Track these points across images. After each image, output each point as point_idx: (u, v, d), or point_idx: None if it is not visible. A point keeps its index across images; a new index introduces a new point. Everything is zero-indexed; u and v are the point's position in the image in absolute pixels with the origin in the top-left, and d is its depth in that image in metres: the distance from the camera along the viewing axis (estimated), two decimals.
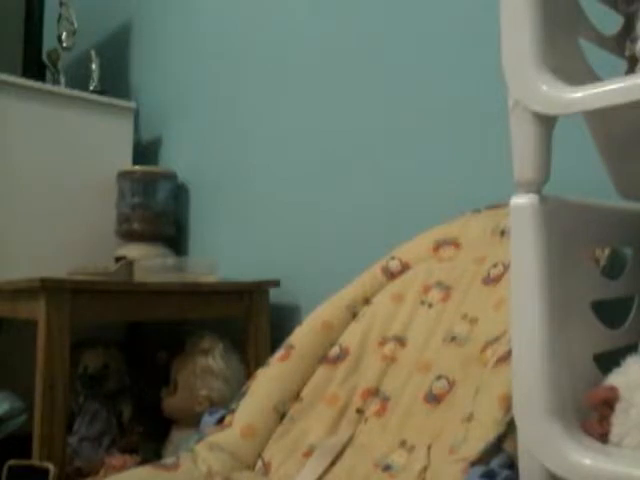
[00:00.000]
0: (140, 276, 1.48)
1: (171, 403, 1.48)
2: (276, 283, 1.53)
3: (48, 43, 2.13)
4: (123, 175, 1.90)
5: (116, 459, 1.19)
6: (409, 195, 1.33)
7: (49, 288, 1.23)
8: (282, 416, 1.07)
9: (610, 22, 0.76)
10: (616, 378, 0.61)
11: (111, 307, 1.34)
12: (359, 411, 1.05)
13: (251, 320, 1.51)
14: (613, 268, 0.84)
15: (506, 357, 0.82)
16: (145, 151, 2.10)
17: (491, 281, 1.04)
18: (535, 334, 0.60)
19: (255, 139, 1.73)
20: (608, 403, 0.59)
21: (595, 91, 0.55)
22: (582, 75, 0.68)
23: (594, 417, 0.59)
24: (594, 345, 0.68)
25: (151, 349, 1.70)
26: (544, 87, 0.58)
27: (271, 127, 1.68)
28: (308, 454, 1.01)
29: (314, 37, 1.58)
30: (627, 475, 0.52)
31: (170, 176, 1.92)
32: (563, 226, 0.64)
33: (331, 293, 1.20)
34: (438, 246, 1.15)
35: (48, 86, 1.95)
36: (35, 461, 1.15)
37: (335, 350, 1.13)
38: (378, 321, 1.13)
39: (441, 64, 1.29)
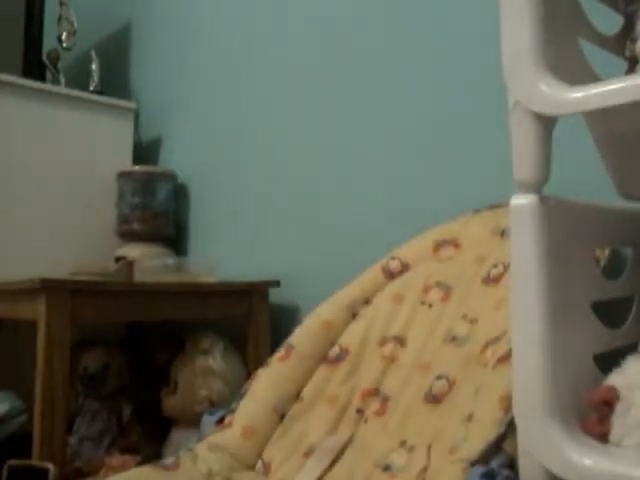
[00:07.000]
0: (140, 276, 1.48)
1: (171, 403, 1.48)
2: (276, 283, 1.53)
3: (48, 43, 2.13)
4: (123, 175, 1.90)
5: (116, 459, 1.19)
6: (409, 195, 1.33)
7: (49, 288, 1.23)
8: (282, 416, 1.07)
9: (610, 22, 0.76)
10: (616, 378, 0.61)
11: (111, 307, 1.34)
12: (359, 411, 1.05)
13: (251, 320, 1.51)
14: (613, 268, 0.84)
15: (506, 357, 0.82)
16: (145, 151, 2.10)
17: (491, 281, 1.04)
18: (535, 334, 0.59)
19: (255, 139, 1.73)
20: (608, 403, 0.59)
21: (595, 91, 0.55)
22: (582, 75, 0.68)
23: (594, 417, 0.59)
24: (594, 345, 0.68)
25: (151, 349, 1.71)
26: (544, 87, 0.58)
27: (271, 127, 1.68)
28: (308, 454, 1.01)
29: (316, 36, 1.58)
30: (627, 475, 0.52)
31: (170, 176, 1.92)
32: (563, 226, 0.64)
33: (331, 293, 1.20)
34: (438, 246, 1.15)
35: (48, 86, 1.95)
36: (35, 461, 1.15)
37: (335, 350, 1.13)
38: (378, 321, 1.13)
39: (442, 64, 1.29)
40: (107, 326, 1.77)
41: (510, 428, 0.72)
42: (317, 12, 1.58)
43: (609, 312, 0.72)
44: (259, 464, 1.03)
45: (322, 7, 1.56)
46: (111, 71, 2.23)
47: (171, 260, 1.72)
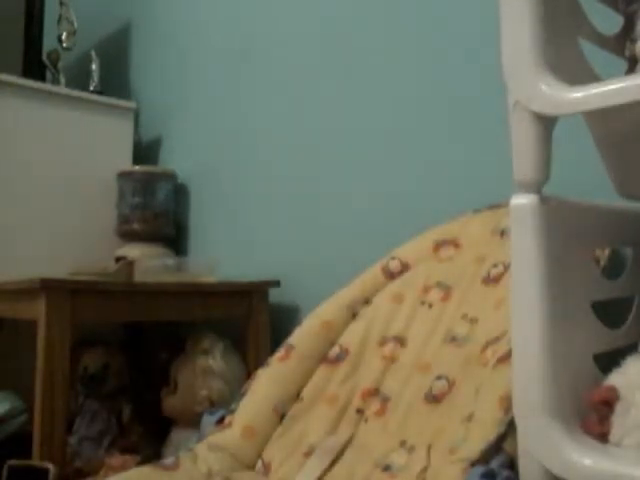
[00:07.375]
0: (140, 276, 1.48)
1: (171, 403, 1.48)
2: (276, 283, 1.53)
3: (48, 43, 2.13)
4: (123, 175, 1.90)
5: (116, 459, 1.19)
6: (409, 195, 1.33)
7: (49, 288, 1.23)
8: (282, 416, 1.07)
9: (610, 22, 0.76)
10: (616, 378, 0.61)
11: (111, 307, 1.34)
12: (359, 411, 1.05)
13: (251, 320, 1.51)
14: (613, 268, 0.84)
15: (506, 357, 0.82)
16: (145, 151, 2.10)
17: (491, 281, 1.04)
18: (535, 334, 0.60)
19: (255, 139, 1.73)
20: (608, 403, 0.59)
21: (595, 91, 0.55)
22: (582, 75, 0.68)
23: (594, 417, 0.59)
24: (594, 345, 0.68)
25: (151, 349, 1.70)
26: (544, 87, 0.58)
27: (271, 127, 1.68)
28: (308, 454, 1.00)
29: (316, 36, 1.58)
30: (627, 475, 0.52)
31: (170, 176, 1.92)
32: (563, 226, 0.64)
33: (331, 293, 1.20)
34: (438, 246, 1.15)
35: (48, 86, 1.95)
36: (35, 461, 1.15)
37: (335, 350, 1.13)
38: (378, 321, 1.13)
39: (442, 64, 1.29)
40: (107, 326, 1.77)
41: (510, 428, 0.72)
42: (317, 12, 1.58)
43: (609, 312, 0.72)
44: (259, 464, 1.03)
45: (322, 7, 1.56)
46: (111, 71, 2.23)
47: (171, 260, 1.73)
